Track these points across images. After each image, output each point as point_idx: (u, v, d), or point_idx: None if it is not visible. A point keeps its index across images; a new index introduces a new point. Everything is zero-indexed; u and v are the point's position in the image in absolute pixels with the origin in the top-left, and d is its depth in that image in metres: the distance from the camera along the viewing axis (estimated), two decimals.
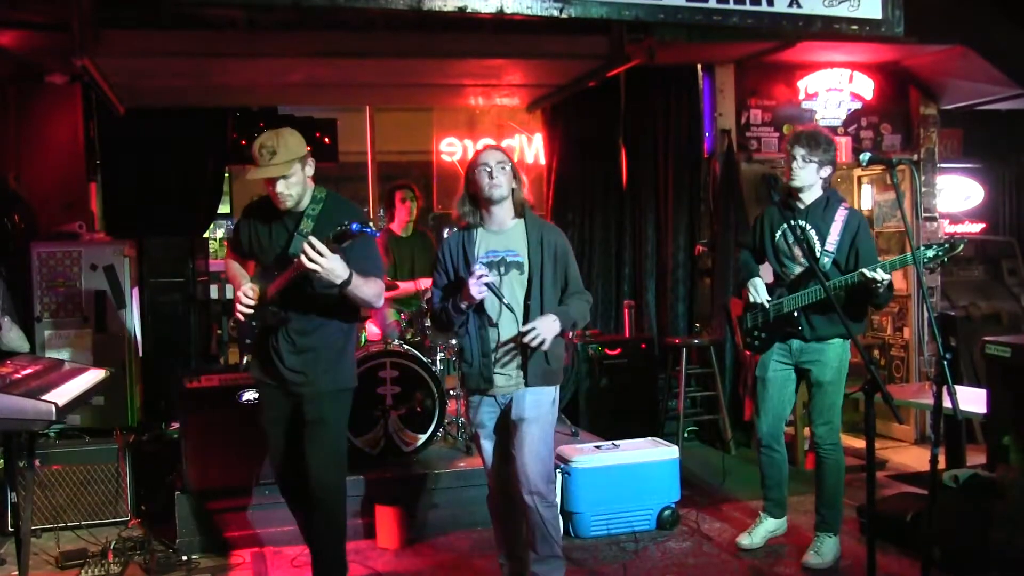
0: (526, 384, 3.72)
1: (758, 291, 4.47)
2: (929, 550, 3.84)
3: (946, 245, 4.01)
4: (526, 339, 3.56)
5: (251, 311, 3.68)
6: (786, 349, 4.47)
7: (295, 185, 3.63)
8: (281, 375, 3.73)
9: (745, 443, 6.65)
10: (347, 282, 3.44)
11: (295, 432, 3.82)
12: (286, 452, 3.89)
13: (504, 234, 3.78)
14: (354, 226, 3.33)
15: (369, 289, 3.58)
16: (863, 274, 4.06)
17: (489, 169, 3.69)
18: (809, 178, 4.34)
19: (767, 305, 4.43)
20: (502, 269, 3.73)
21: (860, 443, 6.68)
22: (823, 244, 4.31)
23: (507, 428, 3.78)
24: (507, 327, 3.72)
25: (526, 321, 3.67)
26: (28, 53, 5.83)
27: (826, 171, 4.34)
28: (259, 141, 3.59)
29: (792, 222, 4.35)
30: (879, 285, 4.06)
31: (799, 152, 4.31)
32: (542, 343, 3.57)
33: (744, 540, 4.64)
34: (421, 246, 6.64)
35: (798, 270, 4.42)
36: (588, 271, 6.97)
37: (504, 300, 3.67)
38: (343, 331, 3.79)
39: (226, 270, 4.00)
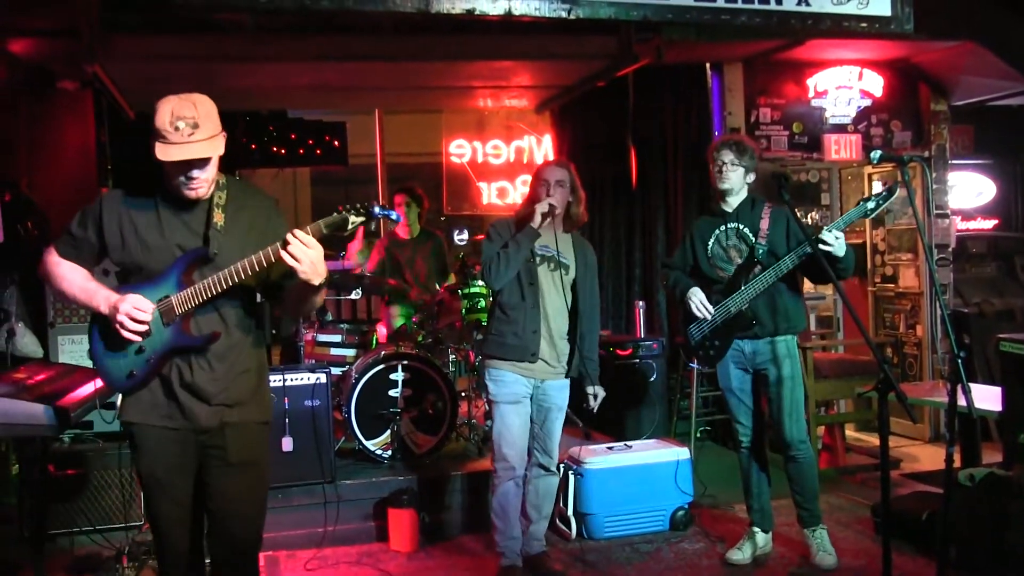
0: (567, 375, 4.35)
1: (701, 303, 4.45)
2: (945, 550, 3.82)
3: (883, 193, 4.15)
4: (594, 404, 4.44)
5: (145, 330, 2.80)
6: (740, 354, 4.47)
7: (213, 168, 2.84)
8: (191, 413, 2.87)
9: None
10: (325, 282, 2.82)
11: (198, 487, 2.96)
12: (192, 515, 2.96)
13: (559, 238, 4.32)
14: (376, 209, 2.73)
15: (323, 293, 3.01)
16: (819, 237, 4.07)
17: (548, 185, 4.24)
18: (738, 181, 4.44)
19: (713, 314, 4.43)
20: (551, 265, 4.28)
21: (874, 441, 6.66)
22: (756, 237, 4.39)
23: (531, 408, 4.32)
24: (556, 314, 4.29)
25: (572, 321, 4.36)
26: (39, 60, 5.87)
27: (751, 176, 4.47)
28: (169, 109, 2.72)
29: (724, 226, 4.48)
30: (832, 247, 4.09)
31: (726, 157, 4.40)
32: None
33: (735, 555, 4.55)
34: (429, 248, 6.63)
35: (734, 270, 4.45)
36: (599, 272, 6.94)
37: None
38: (260, 350, 3.05)
39: (55, 279, 2.95)
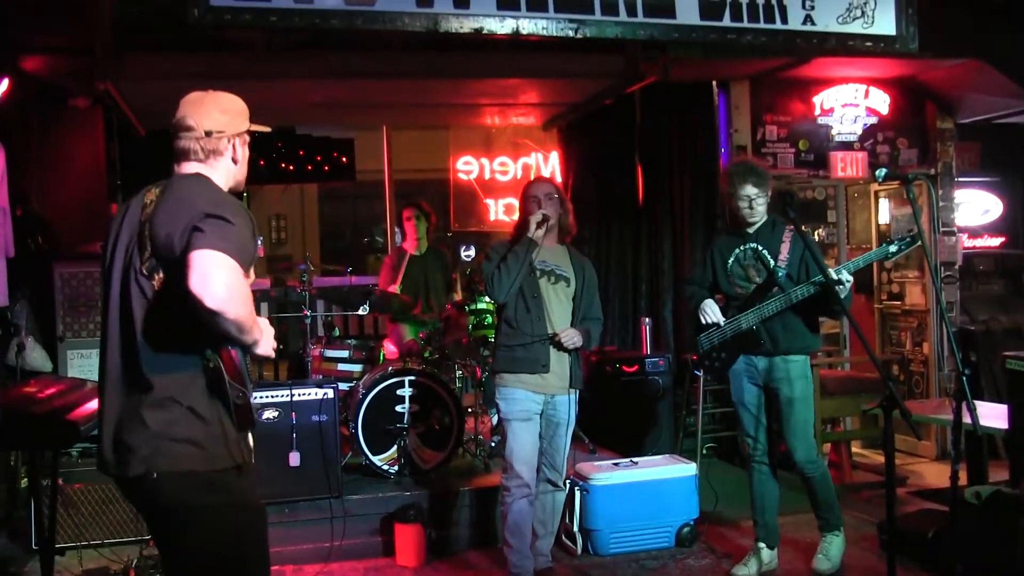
0: (570, 386, 4.34)
1: (713, 312, 4.50)
2: (951, 568, 3.81)
3: (907, 239, 4.18)
4: (563, 338, 4.23)
5: None
6: (753, 370, 4.50)
7: None
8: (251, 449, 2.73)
9: None
10: None
11: None
12: None
13: (555, 252, 4.42)
14: None
15: None
16: (828, 276, 4.05)
17: (538, 200, 4.33)
18: (763, 212, 4.50)
19: (723, 324, 4.47)
20: (552, 278, 4.35)
21: (880, 459, 6.64)
22: (775, 260, 4.41)
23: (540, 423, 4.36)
24: (562, 324, 4.32)
25: None
26: (51, 77, 5.92)
27: (769, 196, 4.51)
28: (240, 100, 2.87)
29: (744, 245, 4.51)
30: (843, 287, 4.16)
31: (751, 191, 4.43)
32: (573, 346, 4.27)
33: (741, 571, 4.57)
34: (435, 264, 6.66)
35: (752, 289, 4.48)
36: (605, 288, 6.98)
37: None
38: None
39: (250, 302, 2.42)
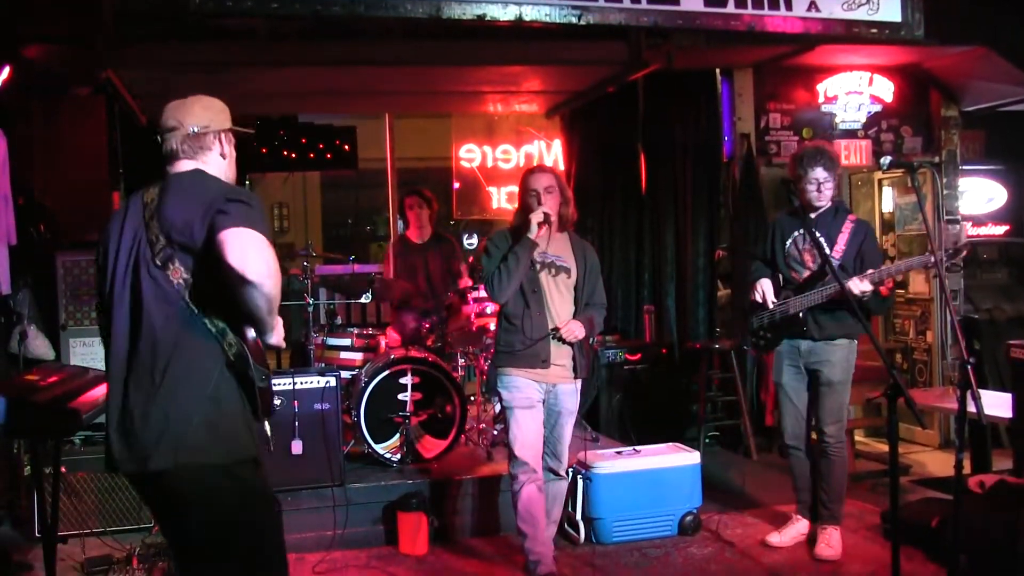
0: (574, 376, 4.30)
1: (765, 292, 4.54)
2: (955, 557, 3.80)
3: (950, 251, 4.13)
4: (564, 333, 4.19)
5: None
6: (795, 352, 4.54)
7: None
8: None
9: (766, 448, 6.62)
10: None
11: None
12: None
13: (555, 241, 4.32)
14: None
15: None
16: (846, 287, 4.03)
17: (537, 194, 4.23)
18: (830, 196, 4.49)
19: (771, 306, 4.52)
20: (552, 271, 4.28)
21: (883, 447, 6.64)
22: (831, 250, 4.41)
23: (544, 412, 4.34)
24: (565, 317, 4.26)
25: None
26: (53, 66, 5.90)
27: (837, 182, 4.51)
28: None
29: (803, 229, 4.50)
30: (864, 296, 4.18)
31: (821, 175, 4.42)
32: (575, 339, 4.22)
33: (774, 538, 4.69)
34: (440, 251, 6.64)
35: (806, 274, 4.51)
36: (608, 276, 6.97)
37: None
38: None
39: (279, 286, 2.49)
